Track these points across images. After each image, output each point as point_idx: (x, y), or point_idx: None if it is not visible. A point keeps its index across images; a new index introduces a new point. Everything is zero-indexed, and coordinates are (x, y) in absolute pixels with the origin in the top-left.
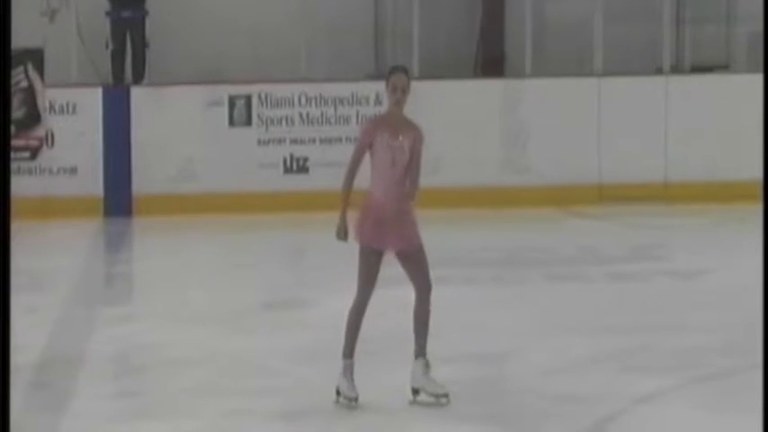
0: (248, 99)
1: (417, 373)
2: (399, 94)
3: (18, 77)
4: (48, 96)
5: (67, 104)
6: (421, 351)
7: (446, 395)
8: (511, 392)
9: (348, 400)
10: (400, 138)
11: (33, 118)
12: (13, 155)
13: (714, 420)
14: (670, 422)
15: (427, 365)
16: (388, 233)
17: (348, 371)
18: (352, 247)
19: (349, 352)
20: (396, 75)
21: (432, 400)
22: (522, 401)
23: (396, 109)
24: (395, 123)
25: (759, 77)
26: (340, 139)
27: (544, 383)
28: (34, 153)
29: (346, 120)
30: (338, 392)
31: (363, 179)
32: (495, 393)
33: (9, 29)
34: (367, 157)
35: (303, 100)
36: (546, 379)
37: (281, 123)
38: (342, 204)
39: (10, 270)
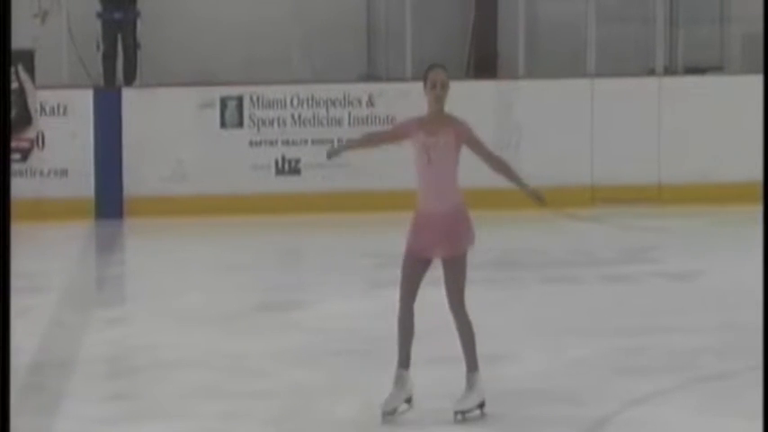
0: (240, 100)
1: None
2: (439, 90)
3: None
4: (39, 98)
5: (58, 106)
6: (469, 365)
7: (462, 412)
8: (505, 394)
9: (387, 412)
10: (438, 135)
11: (24, 119)
12: None
13: (709, 422)
14: (665, 424)
15: (470, 380)
16: (433, 240)
17: (399, 381)
18: (347, 249)
19: (402, 362)
20: (434, 71)
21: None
22: (516, 403)
23: (436, 106)
24: (433, 121)
25: (753, 79)
26: (332, 141)
27: (538, 385)
28: (25, 155)
29: (338, 121)
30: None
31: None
32: (489, 395)
33: (9, 30)
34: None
35: (295, 101)
36: (540, 381)
37: (272, 125)
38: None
39: (10, 271)
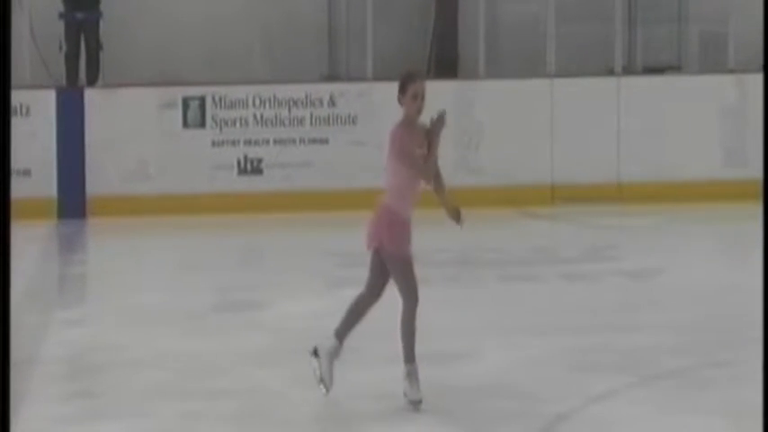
0: (202, 100)
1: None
2: (420, 102)
3: None
4: None
5: (21, 106)
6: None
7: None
8: (464, 392)
9: (414, 404)
10: (423, 147)
11: None
12: None
13: (667, 419)
14: (622, 421)
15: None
16: (409, 242)
17: (412, 375)
18: (308, 249)
19: (409, 357)
20: (416, 82)
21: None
22: (475, 401)
23: (417, 117)
24: (418, 133)
25: (711, 78)
26: (294, 141)
27: (497, 383)
28: None
29: (300, 121)
30: (405, 394)
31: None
32: (449, 394)
33: (9, 30)
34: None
35: (257, 101)
36: (499, 379)
37: (234, 125)
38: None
39: (10, 270)
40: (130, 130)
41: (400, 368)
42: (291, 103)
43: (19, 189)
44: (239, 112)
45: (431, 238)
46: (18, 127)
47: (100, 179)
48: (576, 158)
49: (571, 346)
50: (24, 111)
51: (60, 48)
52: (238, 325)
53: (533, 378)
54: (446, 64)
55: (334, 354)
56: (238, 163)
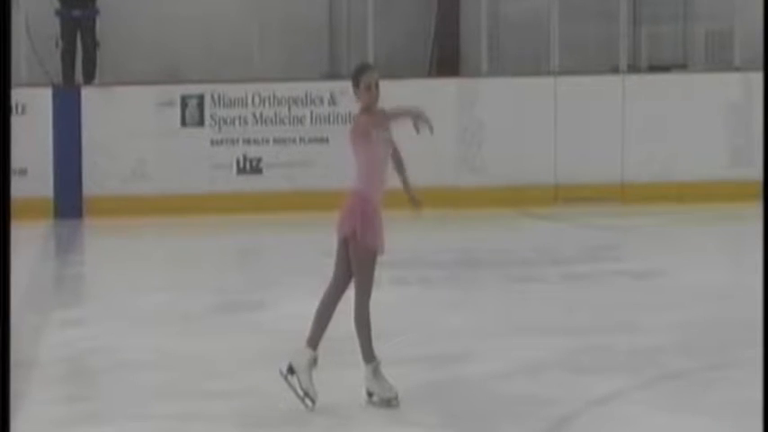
0: (201, 99)
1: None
2: (375, 91)
3: None
4: None
5: (17, 105)
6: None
7: (395, 397)
8: (466, 394)
9: (388, 402)
10: (388, 131)
11: None
12: None
13: (669, 421)
14: (625, 423)
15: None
16: (381, 234)
17: (378, 373)
18: (307, 249)
19: (370, 356)
20: (368, 73)
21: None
22: (477, 403)
23: (374, 106)
24: (380, 119)
25: (716, 77)
26: (294, 140)
27: (499, 385)
28: None
29: (300, 120)
30: (371, 395)
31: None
32: (450, 395)
33: (9, 30)
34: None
35: (256, 100)
36: (501, 380)
37: (234, 123)
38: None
39: (10, 270)
40: (128, 128)
41: (398, 370)
42: (291, 101)
43: (15, 188)
44: (238, 110)
45: (432, 239)
46: (14, 126)
47: (97, 179)
48: (579, 158)
49: (573, 347)
50: (21, 109)
51: (57, 46)
52: (237, 325)
53: (535, 379)
54: (448, 62)
55: (313, 365)
56: (237, 162)
